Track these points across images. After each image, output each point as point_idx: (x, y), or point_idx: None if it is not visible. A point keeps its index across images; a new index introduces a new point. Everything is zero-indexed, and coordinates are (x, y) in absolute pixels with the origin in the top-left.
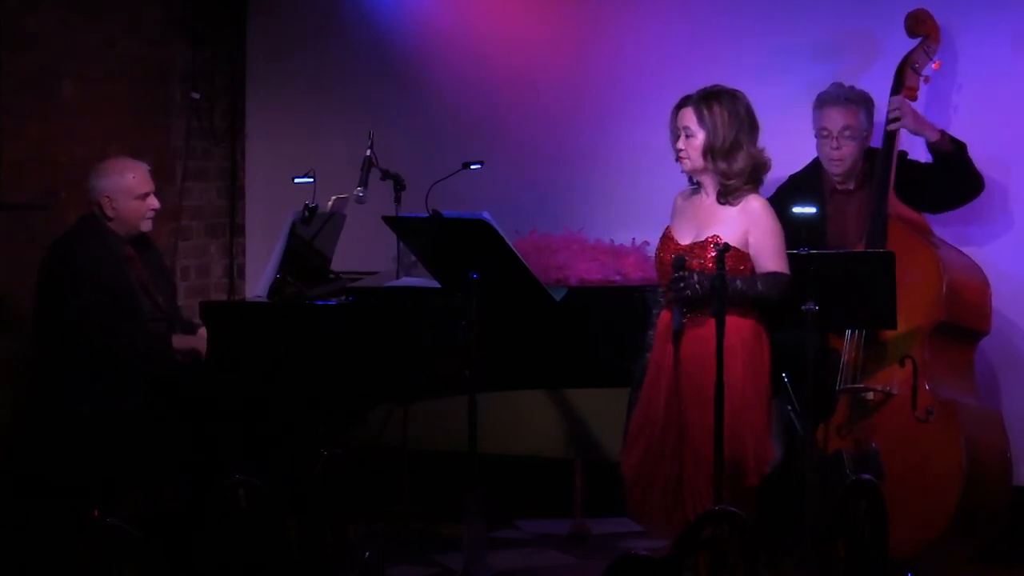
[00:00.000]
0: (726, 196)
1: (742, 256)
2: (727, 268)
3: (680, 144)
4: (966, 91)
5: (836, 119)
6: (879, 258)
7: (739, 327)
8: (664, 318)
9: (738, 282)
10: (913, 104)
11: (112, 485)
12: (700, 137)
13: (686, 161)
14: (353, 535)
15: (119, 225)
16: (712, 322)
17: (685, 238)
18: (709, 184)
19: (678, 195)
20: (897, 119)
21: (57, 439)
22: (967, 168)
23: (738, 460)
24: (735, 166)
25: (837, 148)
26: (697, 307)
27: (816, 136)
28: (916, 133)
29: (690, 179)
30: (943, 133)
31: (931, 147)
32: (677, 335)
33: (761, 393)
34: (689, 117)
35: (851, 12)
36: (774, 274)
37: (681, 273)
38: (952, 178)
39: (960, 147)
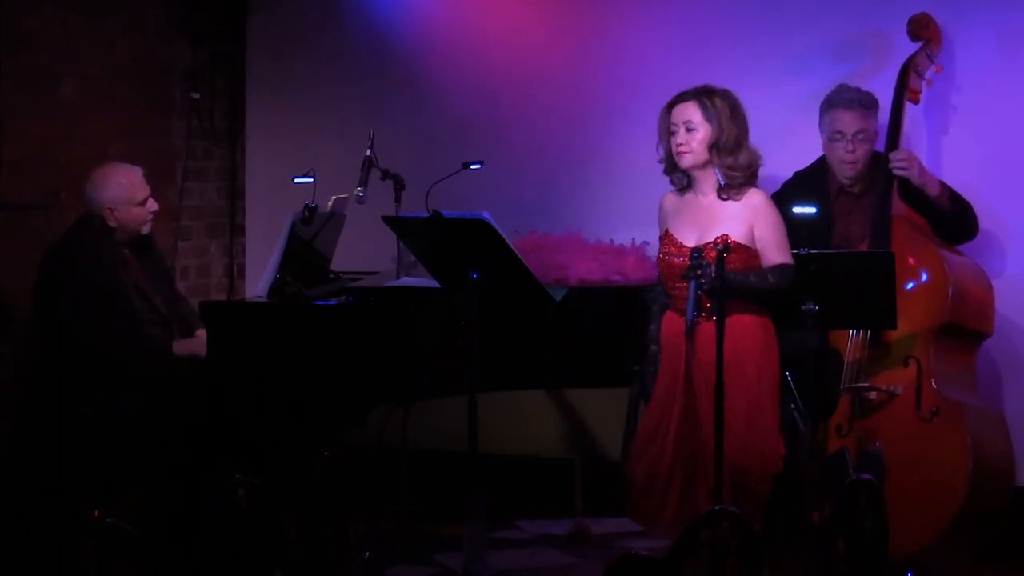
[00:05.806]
0: (728, 192)
1: (752, 252)
2: (738, 266)
3: (681, 139)
4: (964, 92)
5: (850, 123)
6: (879, 258)
7: (753, 326)
8: (673, 322)
9: (751, 277)
10: (915, 107)
11: (112, 485)
12: (704, 131)
13: (687, 156)
14: (353, 535)
15: (121, 232)
16: (727, 322)
17: (689, 239)
18: (706, 181)
19: (665, 197)
20: (904, 169)
21: (57, 439)
22: (962, 224)
23: (752, 461)
24: (740, 160)
25: (852, 151)
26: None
27: (828, 139)
28: (920, 186)
29: (674, 179)
30: (943, 187)
31: (929, 201)
32: (690, 331)
33: (774, 392)
34: (692, 111)
35: (852, 13)
36: (782, 266)
37: (700, 260)
38: (946, 226)
39: (957, 204)
